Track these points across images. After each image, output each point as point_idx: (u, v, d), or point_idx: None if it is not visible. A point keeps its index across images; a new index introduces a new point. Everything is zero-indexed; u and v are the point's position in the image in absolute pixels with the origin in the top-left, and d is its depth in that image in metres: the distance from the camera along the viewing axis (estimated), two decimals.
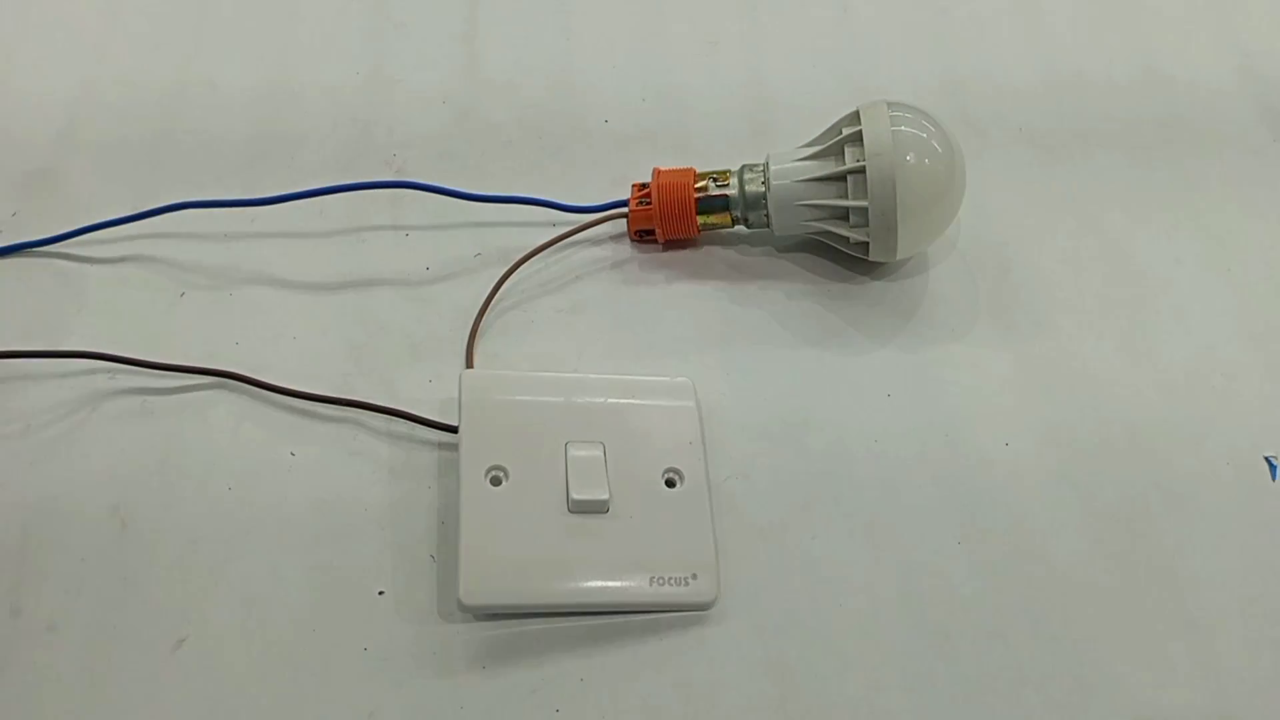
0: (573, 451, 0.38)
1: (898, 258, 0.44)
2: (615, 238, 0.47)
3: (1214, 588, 0.39)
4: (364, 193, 0.47)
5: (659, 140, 0.51)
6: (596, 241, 0.47)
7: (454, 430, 0.39)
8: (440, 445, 0.41)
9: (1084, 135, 0.52)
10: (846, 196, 0.43)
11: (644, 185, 0.46)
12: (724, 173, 0.45)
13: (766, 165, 0.44)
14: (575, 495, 0.37)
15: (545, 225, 0.47)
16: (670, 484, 0.39)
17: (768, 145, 0.46)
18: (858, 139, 0.43)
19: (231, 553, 0.38)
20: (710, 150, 0.50)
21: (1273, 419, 0.43)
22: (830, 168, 0.43)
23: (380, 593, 0.37)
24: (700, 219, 0.45)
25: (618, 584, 0.37)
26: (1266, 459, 0.42)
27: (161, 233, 0.46)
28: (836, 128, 0.44)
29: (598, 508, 0.38)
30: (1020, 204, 0.49)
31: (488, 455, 0.38)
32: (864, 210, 0.43)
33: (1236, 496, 0.41)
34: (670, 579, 0.37)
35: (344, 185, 0.46)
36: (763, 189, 0.44)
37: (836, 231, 0.44)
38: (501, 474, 0.38)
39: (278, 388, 0.41)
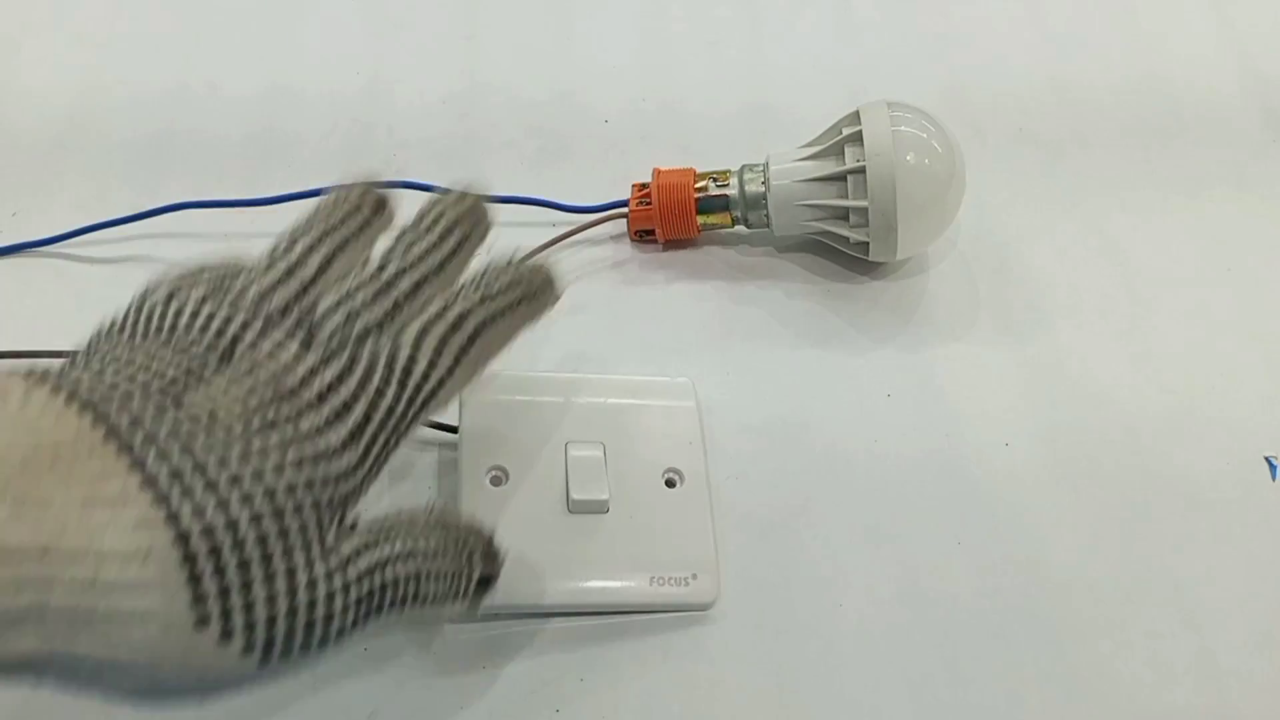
0: (573, 451, 0.38)
1: (898, 258, 0.44)
2: (615, 238, 0.47)
3: (1214, 588, 0.39)
4: None
5: (659, 140, 0.51)
6: (596, 241, 0.47)
7: (454, 430, 0.39)
8: (440, 445, 0.41)
9: (1084, 135, 0.52)
10: (846, 196, 0.43)
11: (644, 185, 0.46)
12: (724, 173, 0.45)
13: (766, 165, 0.44)
14: (575, 495, 0.37)
15: (545, 225, 0.47)
16: (670, 484, 0.39)
17: (768, 145, 0.46)
18: (858, 139, 0.43)
19: None
20: (710, 150, 0.50)
21: (1273, 419, 0.43)
22: (830, 168, 0.43)
23: None
24: (700, 219, 0.45)
25: (618, 584, 0.37)
26: (1266, 459, 0.42)
27: (161, 233, 0.46)
28: (836, 128, 0.44)
29: (598, 508, 0.38)
30: (1020, 204, 0.49)
31: (488, 455, 0.38)
32: (864, 210, 0.43)
33: (1236, 496, 0.41)
34: (670, 579, 0.37)
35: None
36: (763, 189, 0.44)
37: (836, 231, 0.44)
38: (501, 474, 0.38)
39: None
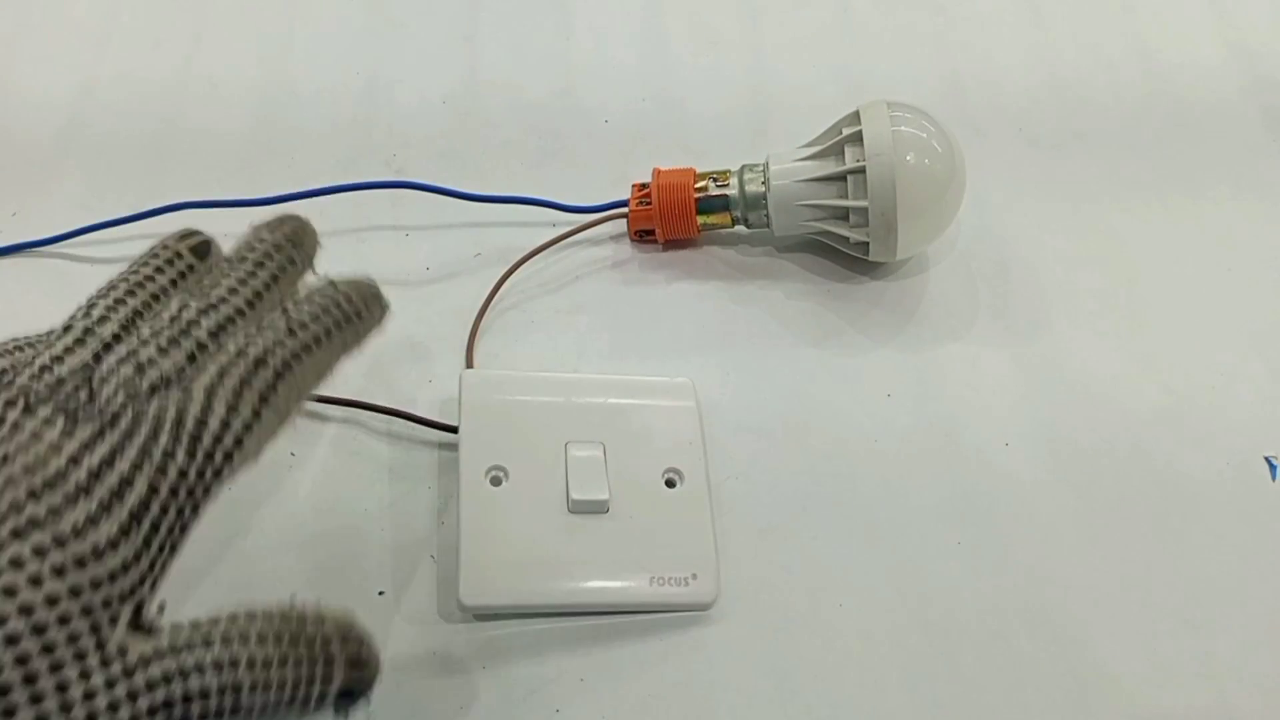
0: (573, 451, 0.38)
1: (898, 258, 0.44)
2: (615, 238, 0.47)
3: (1214, 588, 0.39)
4: (364, 193, 0.47)
5: (659, 140, 0.51)
6: (596, 241, 0.47)
7: (454, 430, 0.39)
8: (440, 445, 0.41)
9: (1084, 135, 0.52)
10: (846, 196, 0.43)
11: (644, 185, 0.46)
12: (724, 173, 0.45)
13: (766, 165, 0.44)
14: (575, 495, 0.37)
15: (545, 225, 0.47)
16: (670, 484, 0.39)
17: (768, 145, 0.46)
18: (858, 139, 0.43)
19: (231, 553, 0.38)
20: (710, 150, 0.50)
21: (1273, 419, 0.43)
22: (830, 168, 0.43)
23: (380, 593, 0.37)
24: (700, 219, 0.45)
25: (618, 584, 0.37)
26: (1266, 459, 0.42)
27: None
28: (836, 128, 0.44)
29: (598, 508, 0.38)
30: (1020, 204, 0.49)
31: (488, 455, 0.38)
32: (864, 210, 0.43)
33: (1236, 496, 0.41)
34: (670, 579, 0.37)
35: (344, 185, 0.46)
36: (763, 189, 0.44)
37: (836, 231, 0.44)
38: (501, 474, 0.38)
39: None
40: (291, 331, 0.29)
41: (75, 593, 0.24)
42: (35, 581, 0.24)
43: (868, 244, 0.44)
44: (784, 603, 0.38)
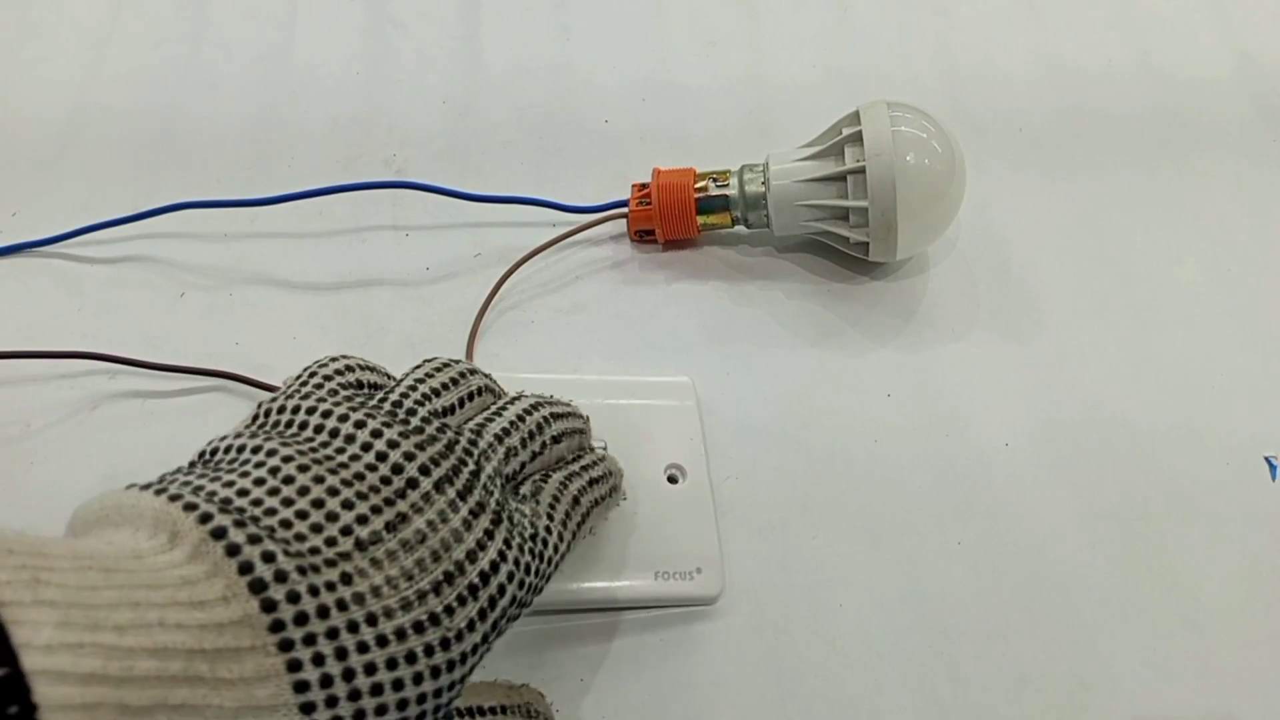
0: None
1: (898, 258, 0.44)
2: (615, 238, 0.47)
3: (1214, 588, 0.39)
4: (364, 193, 0.47)
5: (659, 140, 0.51)
6: (596, 241, 0.47)
7: None
8: None
9: (1084, 135, 0.52)
10: (846, 196, 0.43)
11: (644, 185, 0.46)
12: (724, 173, 0.45)
13: (766, 165, 0.44)
14: None
15: (545, 225, 0.47)
16: (672, 480, 0.39)
17: (768, 145, 0.46)
18: (858, 139, 0.43)
19: None
20: (710, 150, 0.50)
21: (1273, 419, 0.43)
22: (830, 168, 0.43)
23: None
24: (700, 219, 0.45)
25: (622, 581, 0.37)
26: (1266, 459, 0.42)
27: (161, 233, 0.46)
28: (836, 128, 0.44)
29: None
30: (1020, 204, 0.49)
31: None
32: (864, 210, 0.43)
33: (1236, 496, 0.41)
34: (675, 574, 0.37)
35: (344, 185, 0.46)
36: (763, 189, 0.44)
37: (836, 231, 0.44)
38: None
39: (278, 388, 0.41)
40: (593, 482, 0.33)
41: (438, 694, 0.26)
42: (418, 679, 0.25)
43: (868, 244, 0.44)
44: (784, 603, 0.38)
